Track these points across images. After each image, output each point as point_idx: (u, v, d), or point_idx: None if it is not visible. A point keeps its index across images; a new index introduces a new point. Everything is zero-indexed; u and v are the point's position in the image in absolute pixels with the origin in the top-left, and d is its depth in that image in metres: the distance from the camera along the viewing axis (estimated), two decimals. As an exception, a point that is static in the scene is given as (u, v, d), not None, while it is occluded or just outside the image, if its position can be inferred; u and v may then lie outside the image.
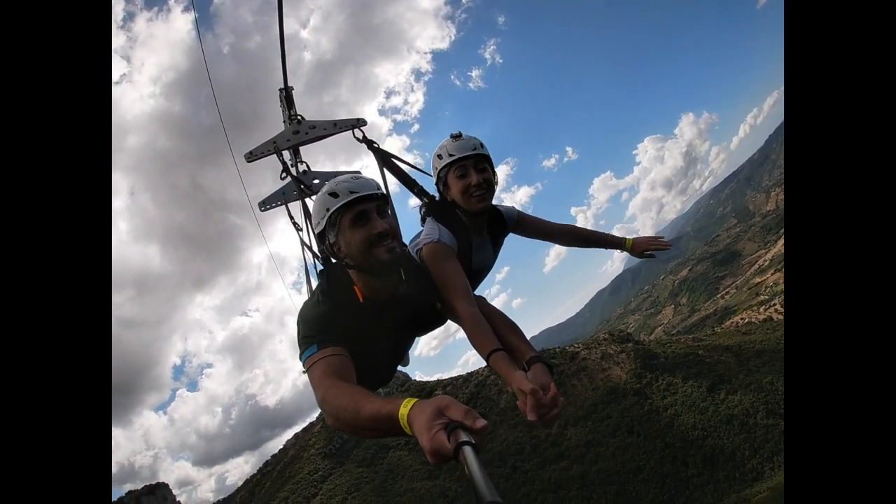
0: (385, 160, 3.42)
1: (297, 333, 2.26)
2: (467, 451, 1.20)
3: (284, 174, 4.21)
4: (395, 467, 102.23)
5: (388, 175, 3.40)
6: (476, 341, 2.37)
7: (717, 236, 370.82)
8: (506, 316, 2.63)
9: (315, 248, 3.03)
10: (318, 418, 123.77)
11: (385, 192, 2.57)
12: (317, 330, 2.18)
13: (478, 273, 3.20)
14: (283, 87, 4.58)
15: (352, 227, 2.25)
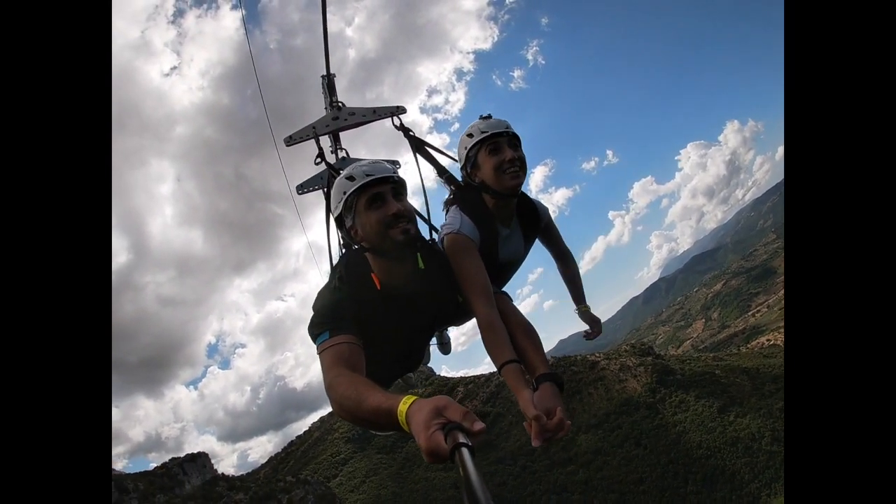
0: (420, 148, 3.46)
1: (311, 318, 2.27)
2: (464, 452, 1.19)
3: (319, 160, 3.98)
4: (412, 456, 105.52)
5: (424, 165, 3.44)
6: (490, 348, 2.34)
7: (755, 251, 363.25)
8: (524, 319, 2.57)
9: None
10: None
11: (419, 177, 2.79)
12: (331, 317, 2.19)
13: (505, 266, 3.02)
14: (325, 73, 4.63)
15: (367, 208, 2.26)
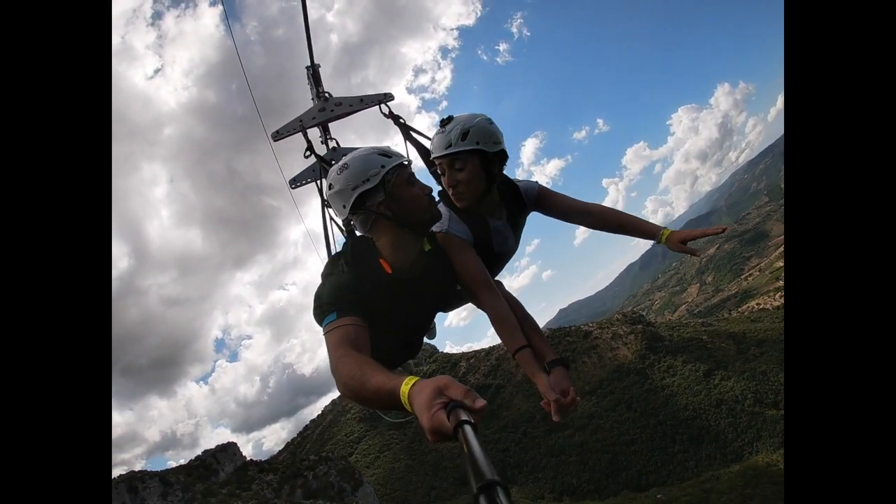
0: (409, 136, 3.48)
1: (315, 300, 2.25)
2: (467, 429, 1.19)
3: (308, 153, 3.85)
4: (422, 431, 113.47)
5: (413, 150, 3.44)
6: (503, 337, 2.47)
7: (748, 214, 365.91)
8: (524, 309, 2.72)
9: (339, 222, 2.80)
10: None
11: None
12: (337, 297, 2.17)
13: (499, 257, 2.98)
14: (309, 65, 4.59)
15: (409, 184, 2.31)
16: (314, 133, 4.33)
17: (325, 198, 2.66)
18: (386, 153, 2.33)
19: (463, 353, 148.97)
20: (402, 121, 3.64)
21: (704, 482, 73.46)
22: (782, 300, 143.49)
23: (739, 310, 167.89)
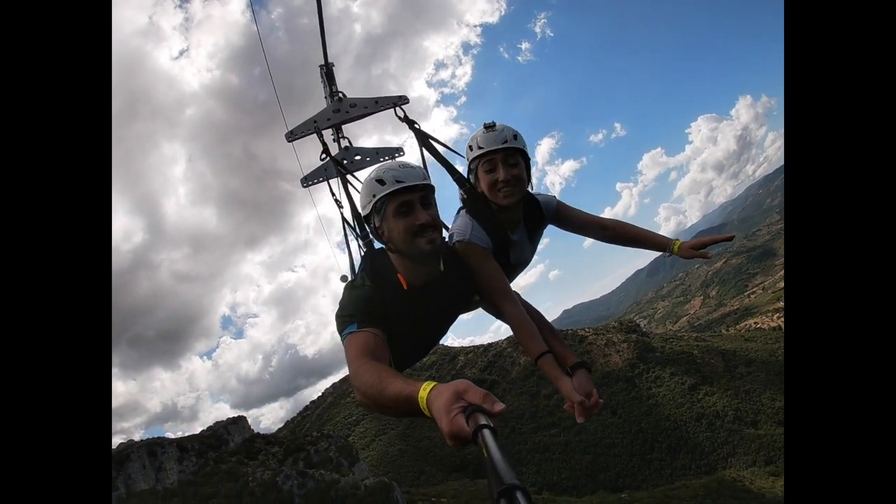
0: (424, 141, 3.35)
1: (337, 312, 2.30)
2: (486, 434, 1.19)
3: (324, 155, 3.82)
4: (415, 419, 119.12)
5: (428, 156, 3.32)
6: (524, 343, 2.51)
7: (758, 230, 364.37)
8: (542, 315, 2.77)
9: (356, 226, 3.10)
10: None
11: (424, 170, 2.65)
12: (358, 310, 2.22)
13: (515, 267, 3.06)
14: (323, 63, 4.53)
15: (396, 215, 2.28)
16: (327, 131, 4.17)
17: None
18: (381, 179, 2.32)
19: (462, 346, 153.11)
20: (417, 126, 3.51)
21: (672, 490, 77.57)
22: (780, 321, 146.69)
23: (737, 327, 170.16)
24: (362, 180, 2.52)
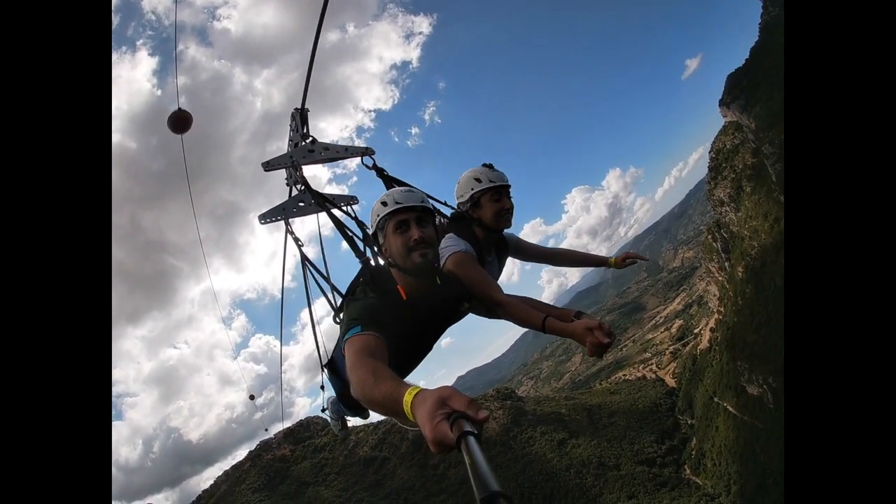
0: (390, 186, 3.78)
1: (343, 320, 2.52)
2: (470, 441, 1.19)
3: (301, 186, 4.16)
4: (313, 499, 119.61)
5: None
6: (525, 317, 2.78)
7: (628, 288, 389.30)
8: (531, 298, 3.07)
9: (365, 243, 3.26)
10: (246, 456, 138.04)
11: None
12: (363, 315, 2.35)
13: None
14: (298, 107, 4.72)
15: (394, 232, 2.58)
16: (284, 170, 4.53)
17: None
18: (384, 202, 2.66)
19: (353, 426, 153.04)
20: (385, 173, 3.96)
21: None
22: (643, 372, 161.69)
23: (609, 380, 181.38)
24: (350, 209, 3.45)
